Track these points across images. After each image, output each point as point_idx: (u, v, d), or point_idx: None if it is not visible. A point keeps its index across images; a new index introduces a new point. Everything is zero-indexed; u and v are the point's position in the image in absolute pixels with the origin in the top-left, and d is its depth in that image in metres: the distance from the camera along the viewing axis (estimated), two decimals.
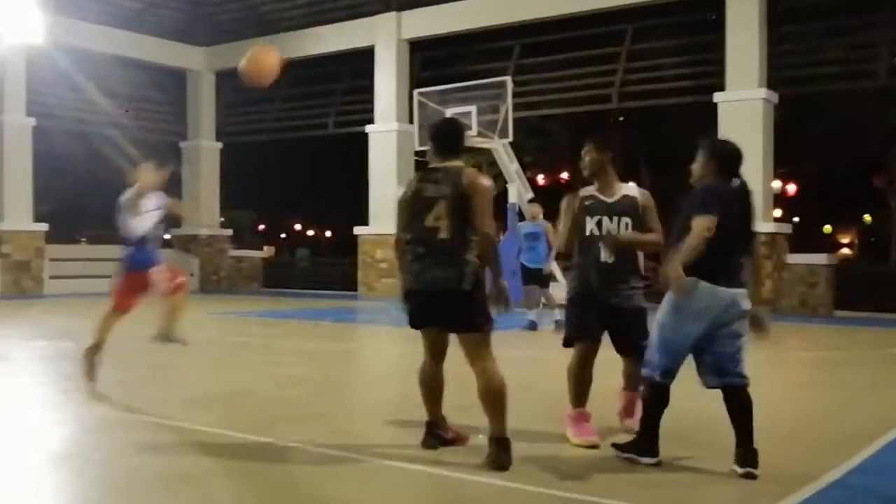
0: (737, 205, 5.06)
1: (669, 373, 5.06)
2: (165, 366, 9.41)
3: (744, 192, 5.14)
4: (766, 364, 10.04)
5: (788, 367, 10.26)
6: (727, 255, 4.96)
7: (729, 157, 5.16)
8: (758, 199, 17.35)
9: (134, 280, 7.45)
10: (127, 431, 6.06)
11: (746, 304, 4.99)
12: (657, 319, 5.12)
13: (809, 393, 7.88)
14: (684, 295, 4.89)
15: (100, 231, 30.28)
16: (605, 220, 5.69)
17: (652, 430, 5.10)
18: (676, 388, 5.10)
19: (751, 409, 4.93)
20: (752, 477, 4.78)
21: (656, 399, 5.11)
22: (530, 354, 10.60)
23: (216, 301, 20.70)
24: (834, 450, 5.39)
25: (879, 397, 7.64)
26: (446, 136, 5.47)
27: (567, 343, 5.80)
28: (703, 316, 4.91)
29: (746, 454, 4.85)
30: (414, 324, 5.38)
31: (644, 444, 5.10)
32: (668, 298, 5.05)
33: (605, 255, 5.64)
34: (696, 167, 5.22)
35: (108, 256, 23.34)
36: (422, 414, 5.53)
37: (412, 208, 5.26)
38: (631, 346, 5.68)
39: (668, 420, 5.13)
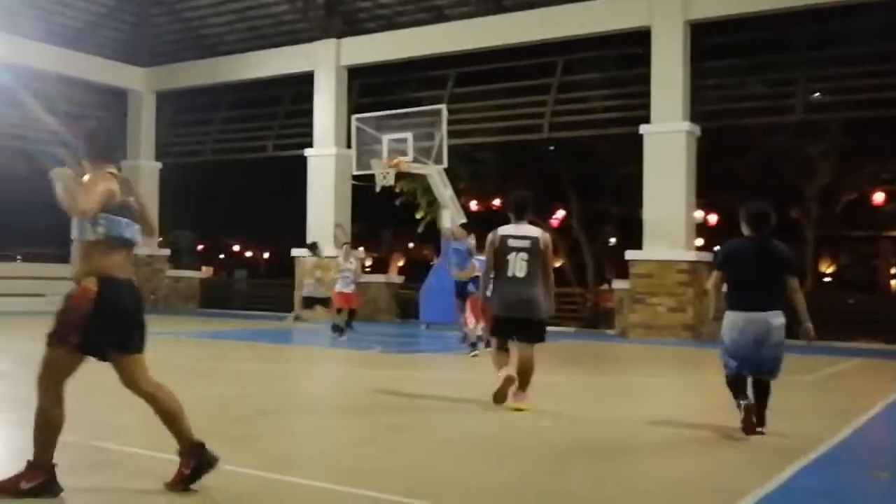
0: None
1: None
2: (98, 387, 9.57)
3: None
4: (685, 388, 10.62)
5: (707, 392, 10.54)
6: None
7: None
8: (680, 229, 18.20)
9: None
10: (57, 454, 5.82)
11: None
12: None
13: (727, 417, 7.62)
14: None
15: (36, 250, 30.03)
16: None
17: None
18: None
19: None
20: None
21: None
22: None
23: (152, 321, 20.63)
24: (748, 473, 5.71)
25: (794, 422, 7.84)
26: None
27: None
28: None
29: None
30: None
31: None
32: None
33: None
34: None
35: (44, 275, 23.41)
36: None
37: None
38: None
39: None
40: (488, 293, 8.23)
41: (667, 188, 18.39)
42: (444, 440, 6.87)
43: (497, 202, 26.53)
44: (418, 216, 26.04)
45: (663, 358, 14.91)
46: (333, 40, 22.95)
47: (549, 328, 8.21)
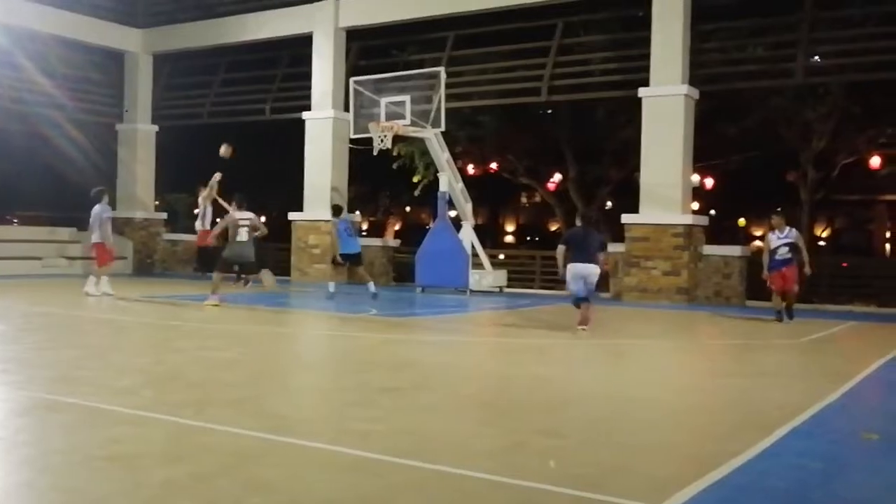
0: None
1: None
2: (98, 349, 9.62)
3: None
4: (679, 351, 10.71)
5: (700, 355, 10.77)
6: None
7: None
8: (677, 193, 18.26)
9: None
10: (57, 414, 6.02)
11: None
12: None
13: (719, 380, 8.24)
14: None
15: (33, 213, 29.95)
16: None
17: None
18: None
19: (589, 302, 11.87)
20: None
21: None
22: None
23: (149, 284, 20.82)
24: (738, 435, 5.76)
25: (785, 385, 8.08)
26: None
27: None
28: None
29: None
30: None
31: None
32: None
33: None
34: None
35: (41, 238, 23.41)
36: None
37: None
38: None
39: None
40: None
41: (664, 152, 18.31)
42: (439, 402, 6.95)
43: (494, 165, 26.44)
44: (415, 179, 26.00)
45: (657, 321, 14.99)
46: (332, 1, 22.70)
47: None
